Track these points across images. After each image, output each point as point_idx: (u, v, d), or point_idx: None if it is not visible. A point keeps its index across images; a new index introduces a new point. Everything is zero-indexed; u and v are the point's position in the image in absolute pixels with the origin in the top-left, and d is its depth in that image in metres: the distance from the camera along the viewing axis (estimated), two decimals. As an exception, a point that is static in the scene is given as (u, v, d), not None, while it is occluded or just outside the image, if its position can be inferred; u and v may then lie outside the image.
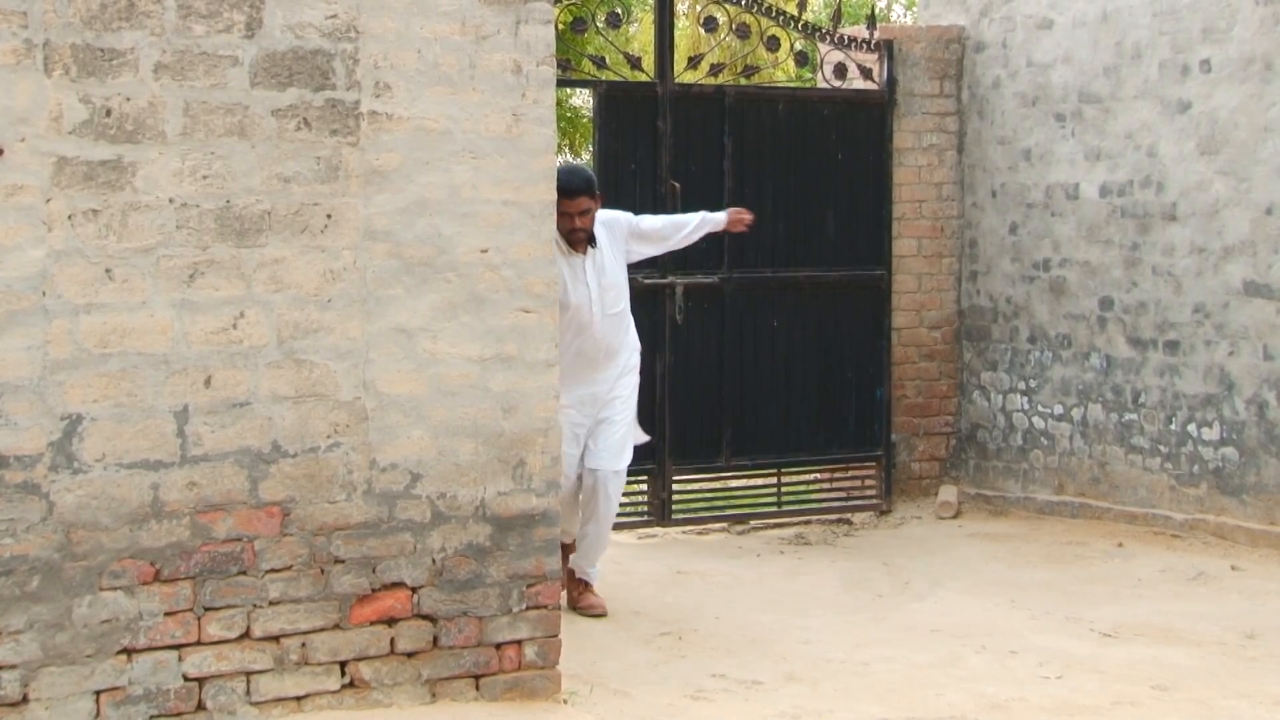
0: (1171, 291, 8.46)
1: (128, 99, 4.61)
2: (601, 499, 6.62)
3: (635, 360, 6.83)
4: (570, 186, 6.22)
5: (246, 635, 4.80)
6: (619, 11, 9.17)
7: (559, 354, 5.47)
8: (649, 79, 8.71)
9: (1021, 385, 9.29)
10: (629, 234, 6.75)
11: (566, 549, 6.56)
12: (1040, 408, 9.19)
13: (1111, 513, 8.74)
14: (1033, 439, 9.23)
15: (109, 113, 4.59)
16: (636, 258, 6.92)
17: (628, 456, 6.76)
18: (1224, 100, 8.16)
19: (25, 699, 4.51)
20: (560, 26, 8.98)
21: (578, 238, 6.43)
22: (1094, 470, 8.89)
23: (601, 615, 6.61)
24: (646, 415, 8.61)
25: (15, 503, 4.48)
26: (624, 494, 8.85)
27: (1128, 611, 6.86)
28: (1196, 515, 8.31)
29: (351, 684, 4.95)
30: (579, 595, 6.69)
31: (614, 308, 6.59)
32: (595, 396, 6.60)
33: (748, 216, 7.18)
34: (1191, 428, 8.36)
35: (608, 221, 6.63)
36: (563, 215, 5.99)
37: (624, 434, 6.71)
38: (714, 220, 7.09)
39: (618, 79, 8.90)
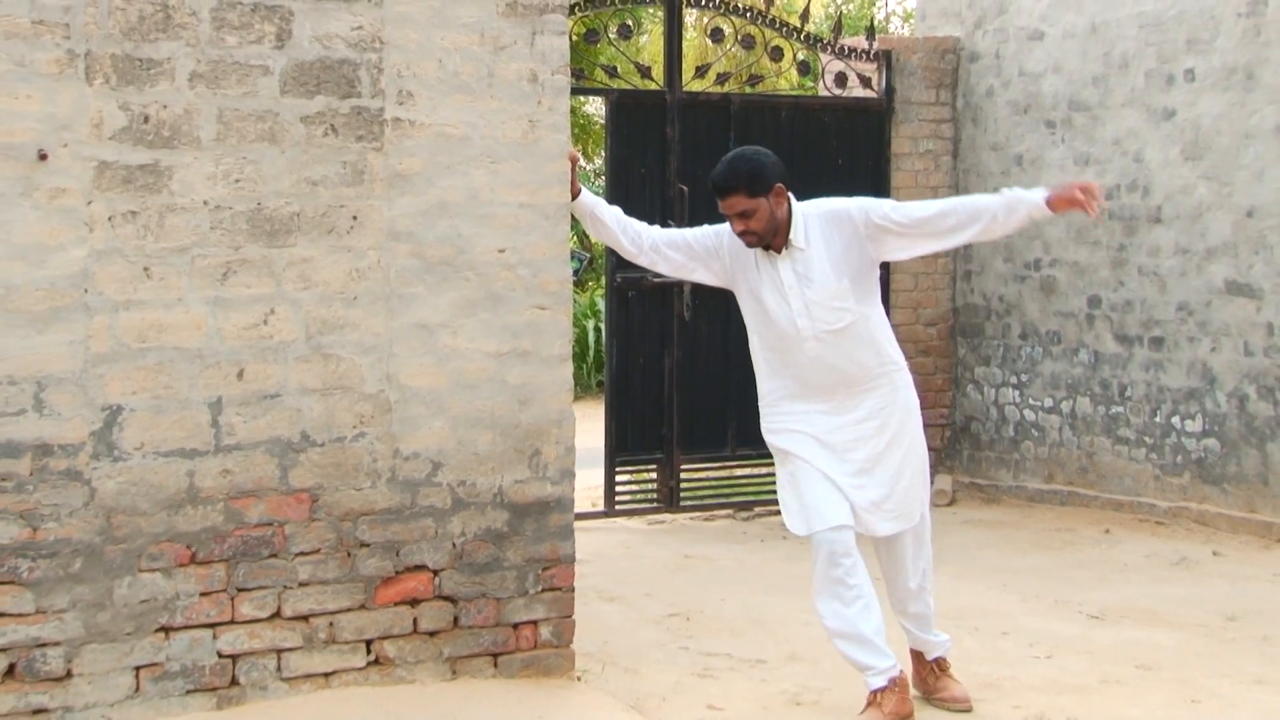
0: (1157, 290, 8.46)
1: (165, 106, 4.63)
2: (899, 560, 5.16)
3: (904, 395, 5.16)
4: (719, 183, 4.97)
5: (277, 615, 4.83)
6: (630, 23, 9.18)
7: (770, 375, 5.07)
8: (658, 87, 8.73)
9: (1013, 379, 9.30)
10: (868, 227, 4.95)
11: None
12: (1031, 401, 9.20)
13: (1099, 501, 8.74)
14: (1024, 431, 9.24)
15: (147, 119, 4.62)
16: (901, 255, 5.16)
17: (925, 505, 5.17)
18: (1207, 108, 8.16)
19: (69, 674, 4.54)
20: (574, 37, 8.99)
21: (748, 241, 4.97)
22: (1082, 460, 8.90)
23: (966, 710, 5.09)
24: (656, 409, 8.65)
25: (59, 489, 4.52)
26: (634, 482, 8.94)
27: (1114, 595, 6.87)
28: (1180, 503, 8.32)
29: (376, 661, 4.97)
30: (934, 681, 5.18)
31: (831, 323, 4.93)
32: (830, 436, 5.00)
33: (1095, 193, 4.87)
34: (1175, 420, 8.37)
35: (830, 215, 4.99)
36: (725, 216, 5.01)
37: (917, 483, 5.13)
38: (1030, 203, 4.90)
39: (629, 87, 8.92)
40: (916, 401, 5.19)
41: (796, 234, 4.96)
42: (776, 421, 5.08)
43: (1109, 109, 8.70)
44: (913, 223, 4.95)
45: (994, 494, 9.30)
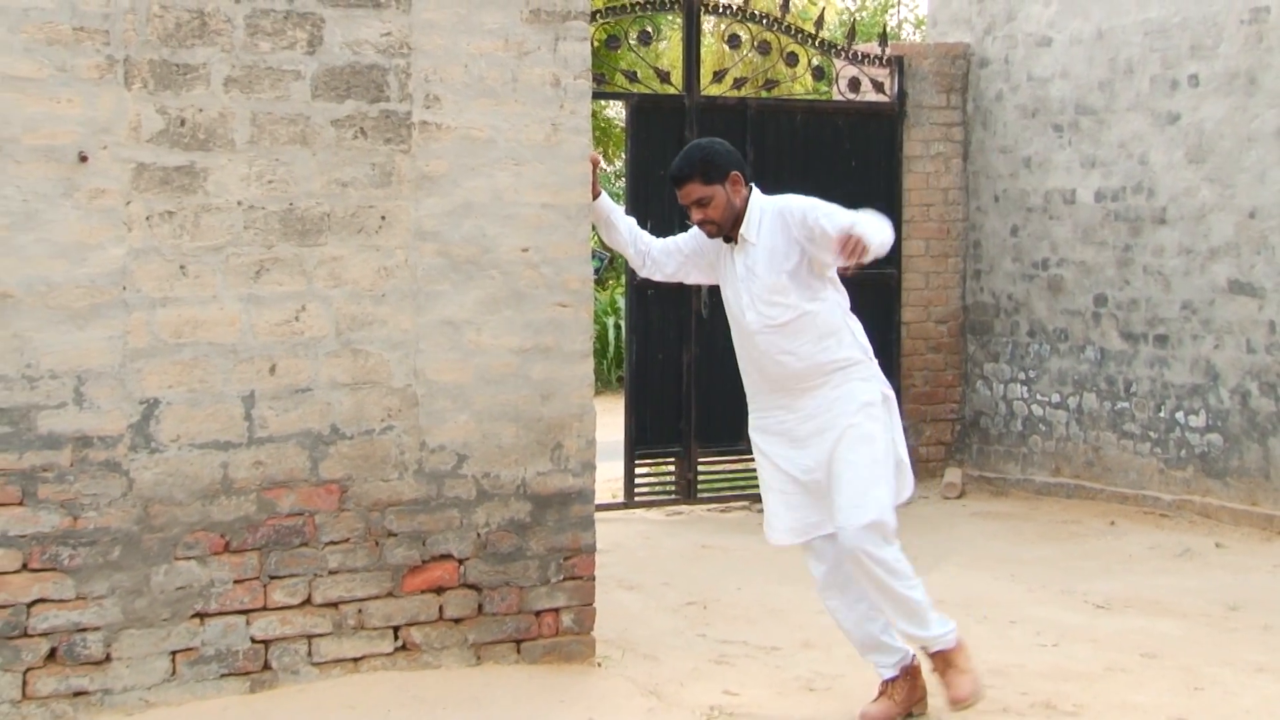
0: (1161, 289, 8.43)
1: (200, 110, 4.65)
2: (856, 568, 4.68)
3: (856, 389, 4.78)
4: (674, 173, 4.86)
5: (308, 602, 4.84)
6: (649, 30, 9.18)
7: (744, 372, 4.91)
8: (677, 92, 8.73)
9: (1021, 376, 9.28)
10: (802, 229, 4.71)
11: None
12: (1039, 396, 9.17)
13: (1104, 494, 8.72)
14: (1032, 425, 9.21)
15: (183, 123, 4.63)
16: (828, 268, 4.76)
17: (876, 504, 4.64)
18: (1210, 112, 8.13)
19: (108, 658, 4.57)
20: (595, 43, 9.00)
21: (708, 231, 4.88)
22: (1088, 454, 8.87)
23: (966, 705, 4.76)
24: (674, 403, 8.65)
25: (99, 479, 4.54)
26: (653, 475, 8.94)
27: (1119, 585, 6.85)
28: (1183, 496, 8.29)
29: (404, 647, 4.99)
30: (943, 673, 4.78)
31: (774, 318, 4.75)
32: (792, 432, 4.81)
33: (851, 245, 4.51)
34: (1179, 415, 8.34)
35: (779, 211, 4.78)
36: (684, 208, 4.90)
37: (859, 477, 4.66)
38: None
39: (648, 92, 8.92)
40: (877, 397, 4.81)
41: (748, 227, 4.80)
42: (754, 421, 4.96)
43: (1115, 113, 8.67)
44: (828, 234, 4.60)
45: (1002, 487, 9.28)
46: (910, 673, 4.85)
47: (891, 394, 4.91)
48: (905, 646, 4.89)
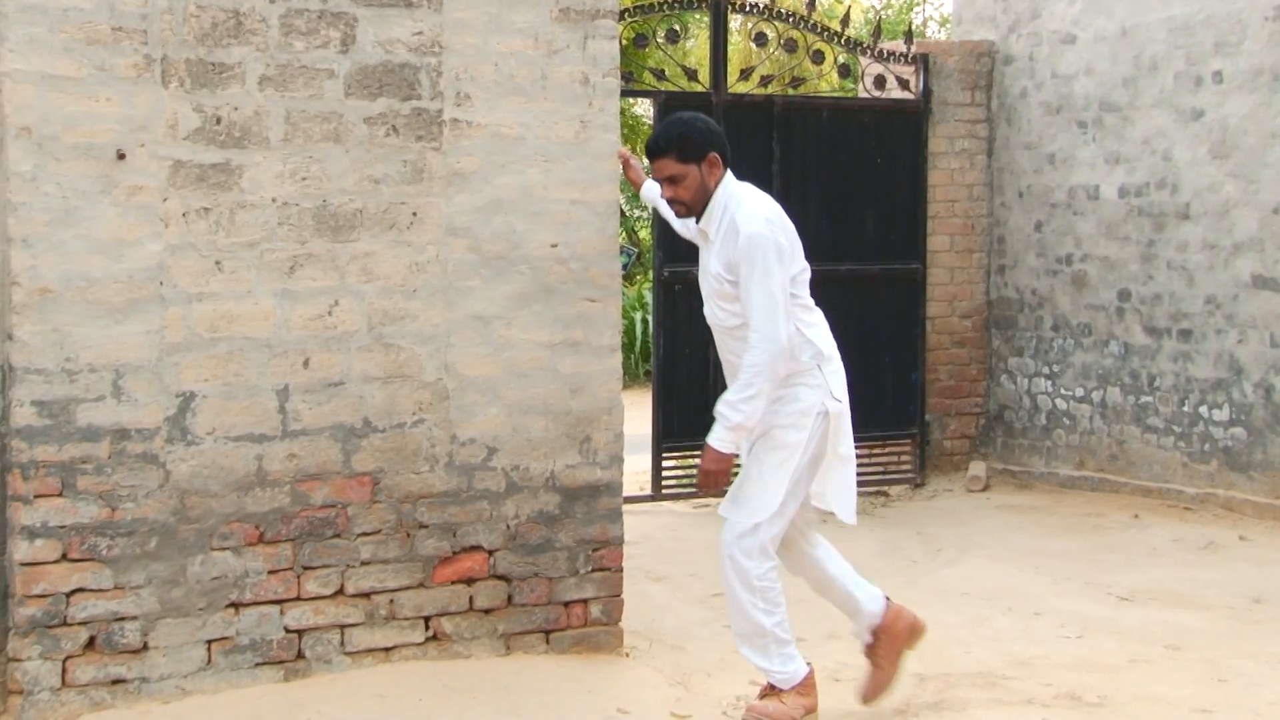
0: (1185, 284, 8.37)
1: (235, 108, 4.66)
2: (721, 568, 4.70)
3: (796, 394, 4.63)
4: (649, 146, 4.69)
5: (341, 592, 4.86)
6: (677, 28, 9.15)
7: None
8: (704, 89, 8.70)
9: (1045, 370, 9.23)
10: (738, 257, 4.52)
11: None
12: (1063, 390, 9.12)
13: (1128, 487, 8.66)
14: (1056, 419, 9.17)
15: (219, 121, 4.64)
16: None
17: (747, 510, 4.62)
18: (1234, 109, 8.06)
19: (145, 647, 4.59)
20: (624, 42, 8.99)
21: (678, 210, 4.74)
22: (1112, 448, 8.82)
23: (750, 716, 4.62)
24: (700, 397, 8.63)
25: (136, 471, 4.56)
26: (679, 467, 8.92)
27: (1143, 577, 6.81)
28: (1207, 490, 8.23)
29: (434, 637, 4.99)
30: (765, 695, 4.71)
31: (722, 320, 4.68)
32: None
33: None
34: (1203, 409, 8.28)
35: (732, 224, 4.55)
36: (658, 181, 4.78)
37: (751, 480, 4.64)
38: (720, 423, 4.63)
39: (676, 89, 8.90)
40: (812, 408, 4.62)
41: (709, 220, 4.63)
42: None
43: (1139, 109, 8.61)
44: (746, 308, 4.53)
45: (1027, 480, 9.24)
46: (883, 629, 4.77)
47: (841, 407, 4.68)
48: (875, 590, 4.82)
